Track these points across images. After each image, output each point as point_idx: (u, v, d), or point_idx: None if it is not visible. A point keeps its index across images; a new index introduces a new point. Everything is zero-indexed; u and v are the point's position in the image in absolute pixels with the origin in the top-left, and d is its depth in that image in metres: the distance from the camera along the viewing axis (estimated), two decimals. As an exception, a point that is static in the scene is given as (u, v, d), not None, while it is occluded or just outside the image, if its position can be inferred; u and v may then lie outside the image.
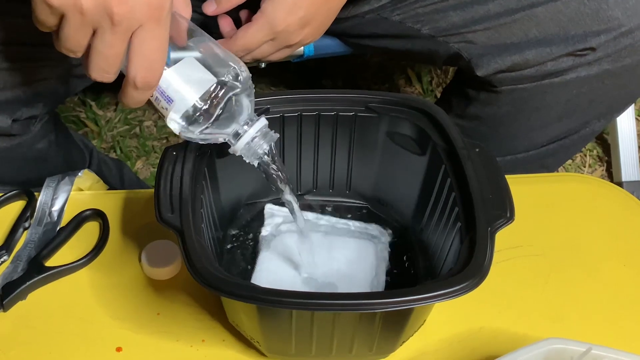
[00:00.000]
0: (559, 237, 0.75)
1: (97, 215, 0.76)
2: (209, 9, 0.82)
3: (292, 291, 0.55)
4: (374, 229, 0.74)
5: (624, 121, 1.41)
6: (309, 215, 0.75)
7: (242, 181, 0.73)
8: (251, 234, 0.74)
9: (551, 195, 0.80)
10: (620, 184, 1.42)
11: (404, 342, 0.63)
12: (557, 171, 1.15)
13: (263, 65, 1.03)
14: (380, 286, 0.69)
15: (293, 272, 0.69)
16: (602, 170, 1.50)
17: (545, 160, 1.00)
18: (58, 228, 0.75)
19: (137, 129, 1.50)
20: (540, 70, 0.86)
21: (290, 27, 0.79)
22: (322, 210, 0.76)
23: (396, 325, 0.60)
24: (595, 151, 1.52)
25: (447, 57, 0.91)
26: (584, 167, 1.50)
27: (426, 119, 0.70)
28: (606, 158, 1.50)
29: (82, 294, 0.70)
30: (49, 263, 0.72)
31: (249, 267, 0.70)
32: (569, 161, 1.49)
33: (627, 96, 0.94)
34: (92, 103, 1.53)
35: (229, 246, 0.73)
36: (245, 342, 0.66)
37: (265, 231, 0.73)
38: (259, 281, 0.67)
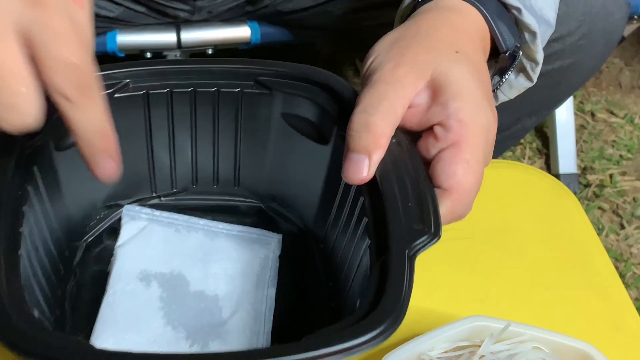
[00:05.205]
0: (488, 222, 0.73)
1: None
2: None
3: (143, 354, 0.39)
4: (261, 234, 0.59)
5: (563, 115, 1.47)
6: (181, 219, 0.59)
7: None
8: (110, 243, 0.58)
9: (485, 181, 0.74)
10: (557, 175, 1.46)
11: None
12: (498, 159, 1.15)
13: (210, 52, 1.07)
14: (267, 309, 0.55)
15: (156, 300, 0.54)
16: (541, 162, 1.54)
17: None
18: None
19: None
20: None
21: None
22: (202, 212, 0.61)
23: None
24: (534, 144, 1.56)
25: None
26: (524, 158, 1.55)
27: (330, 97, 0.54)
28: (545, 150, 1.55)
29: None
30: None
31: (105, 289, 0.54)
32: (509, 153, 1.54)
33: (557, 96, 0.95)
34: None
35: (79, 263, 0.56)
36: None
37: (121, 240, 0.57)
38: (106, 320, 0.51)
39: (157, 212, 0.59)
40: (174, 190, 0.61)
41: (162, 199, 0.61)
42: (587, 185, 1.50)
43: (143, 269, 0.55)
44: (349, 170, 0.48)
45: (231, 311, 0.54)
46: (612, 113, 1.66)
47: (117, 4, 0.91)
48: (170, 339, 0.51)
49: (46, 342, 0.39)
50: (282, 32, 1.02)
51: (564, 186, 0.81)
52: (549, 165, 1.53)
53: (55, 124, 0.50)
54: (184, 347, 0.51)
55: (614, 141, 1.60)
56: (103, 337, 0.50)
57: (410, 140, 0.51)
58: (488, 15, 0.55)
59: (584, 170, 1.53)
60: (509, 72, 0.60)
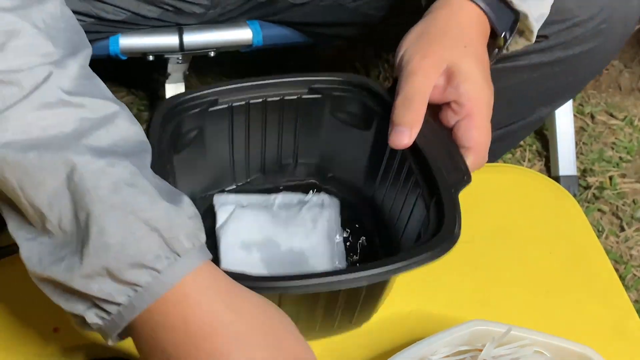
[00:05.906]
0: (489, 225, 0.78)
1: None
2: None
3: (280, 276, 0.57)
4: (323, 197, 0.77)
5: (562, 117, 1.47)
6: (259, 198, 0.77)
7: (196, 174, 0.74)
8: (207, 224, 0.74)
9: (485, 185, 0.81)
10: (557, 178, 1.48)
11: (378, 309, 0.67)
12: (497, 162, 1.20)
13: (212, 54, 1.07)
14: (341, 254, 0.73)
15: (258, 262, 0.71)
16: (541, 165, 1.55)
17: (492, 145, 1.03)
18: None
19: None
20: None
21: None
22: (272, 193, 0.78)
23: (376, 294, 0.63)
24: (534, 146, 1.58)
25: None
26: (524, 161, 1.56)
27: (368, 94, 0.73)
28: (545, 153, 1.56)
29: (19, 276, 0.64)
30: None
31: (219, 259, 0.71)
32: (509, 155, 1.55)
33: (574, 83, 0.99)
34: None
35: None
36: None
37: (219, 221, 0.74)
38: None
39: (241, 196, 0.76)
40: (248, 179, 0.78)
41: (239, 186, 0.78)
42: (587, 188, 1.49)
43: (242, 240, 0.72)
44: (395, 138, 0.67)
45: (315, 259, 0.72)
46: (611, 115, 1.65)
47: (124, 9, 0.94)
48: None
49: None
50: (284, 34, 1.02)
51: (564, 189, 0.82)
52: (549, 167, 1.52)
53: (173, 132, 0.68)
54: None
55: (614, 143, 1.59)
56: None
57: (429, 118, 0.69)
58: (486, 11, 0.70)
59: (583, 172, 1.52)
60: (508, 41, 0.74)
